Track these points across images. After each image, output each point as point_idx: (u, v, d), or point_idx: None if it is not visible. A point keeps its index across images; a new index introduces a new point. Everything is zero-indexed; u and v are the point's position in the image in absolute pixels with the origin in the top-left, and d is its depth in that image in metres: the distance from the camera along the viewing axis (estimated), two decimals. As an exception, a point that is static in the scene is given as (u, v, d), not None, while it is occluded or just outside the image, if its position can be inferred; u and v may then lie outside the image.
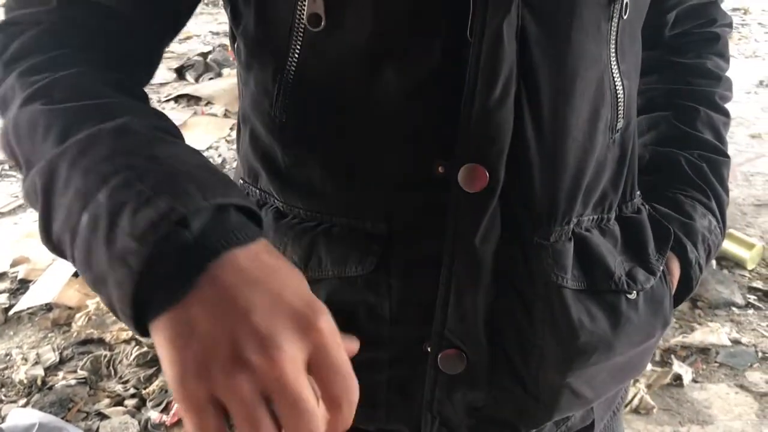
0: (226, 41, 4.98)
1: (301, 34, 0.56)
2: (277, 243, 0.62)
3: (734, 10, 6.19)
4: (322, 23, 0.55)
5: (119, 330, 2.25)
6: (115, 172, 0.43)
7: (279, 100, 0.59)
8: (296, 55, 0.57)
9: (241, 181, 0.67)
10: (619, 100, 0.61)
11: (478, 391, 0.63)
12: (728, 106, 0.83)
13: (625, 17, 0.59)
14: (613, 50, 0.60)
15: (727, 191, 0.79)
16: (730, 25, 0.85)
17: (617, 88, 0.61)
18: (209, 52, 5.16)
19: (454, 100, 0.55)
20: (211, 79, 4.81)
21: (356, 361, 0.60)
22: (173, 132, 0.51)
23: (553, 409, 0.65)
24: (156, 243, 0.39)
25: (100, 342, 2.24)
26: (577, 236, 0.62)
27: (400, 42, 0.55)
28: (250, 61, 0.61)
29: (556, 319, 0.61)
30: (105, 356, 2.16)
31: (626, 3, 0.58)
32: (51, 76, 0.52)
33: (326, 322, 0.41)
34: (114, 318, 2.29)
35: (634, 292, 0.65)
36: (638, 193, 0.70)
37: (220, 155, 3.67)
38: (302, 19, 0.55)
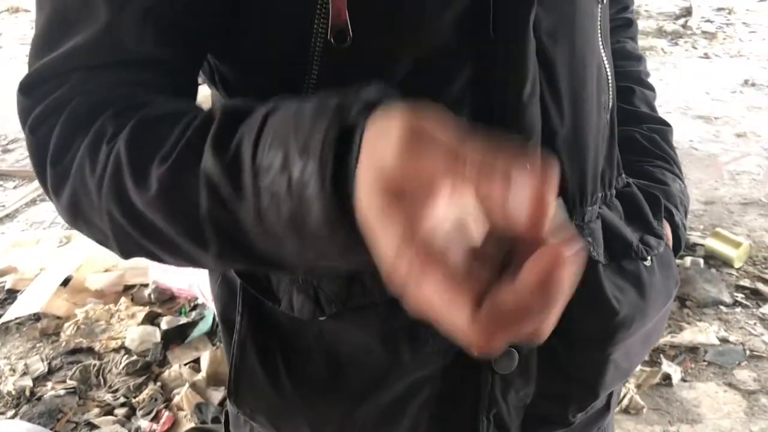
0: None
1: (319, 53, 0.52)
2: (310, 276, 0.59)
3: (719, 9, 6.23)
4: (348, 39, 0.51)
5: (108, 339, 2.24)
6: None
7: None
8: (314, 77, 0.53)
9: None
10: (609, 80, 0.66)
11: (529, 387, 0.64)
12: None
13: (603, 3, 0.62)
14: (600, 35, 0.63)
15: (676, 154, 0.86)
16: (633, 9, 0.93)
17: (607, 70, 0.65)
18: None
19: (487, 99, 0.55)
20: (198, 84, 4.81)
21: (410, 380, 0.61)
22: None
23: (598, 388, 0.67)
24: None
25: (89, 351, 2.23)
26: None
27: (425, 47, 0.53)
28: (241, 77, 0.58)
29: (595, 299, 0.64)
30: (94, 365, 2.15)
31: None
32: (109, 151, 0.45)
33: None
34: (103, 327, 2.29)
35: (649, 258, 0.69)
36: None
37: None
38: (321, 36, 0.51)
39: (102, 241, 0.49)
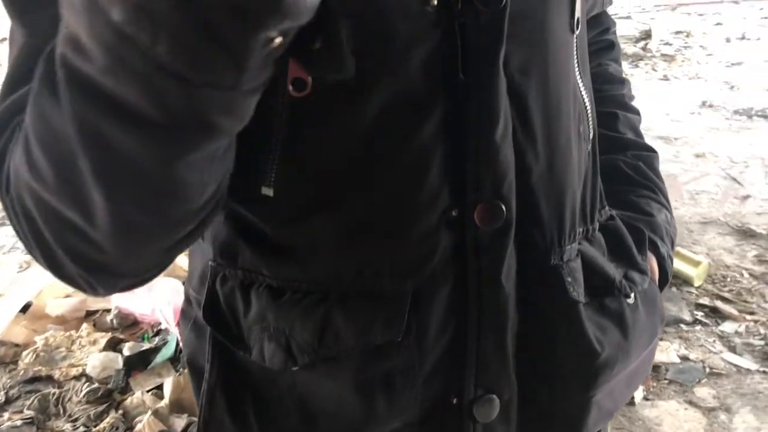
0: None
1: (283, 100, 0.50)
2: (282, 324, 0.57)
3: (677, 33, 6.39)
4: (307, 87, 0.49)
5: (69, 366, 2.20)
6: None
7: (268, 175, 0.53)
8: (284, 127, 0.51)
9: (212, 264, 0.60)
10: (587, 111, 0.64)
11: (511, 431, 0.62)
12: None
13: (577, 32, 0.60)
14: (577, 64, 0.61)
15: (662, 181, 0.83)
16: (615, 30, 0.90)
17: (584, 99, 0.63)
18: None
19: (459, 141, 0.53)
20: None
21: (387, 430, 0.59)
22: None
23: (581, 430, 0.65)
24: None
25: (49, 379, 2.18)
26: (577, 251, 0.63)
27: (392, 91, 0.51)
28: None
29: (576, 340, 0.62)
30: (53, 394, 2.10)
31: (578, 18, 0.60)
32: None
33: None
34: (63, 354, 2.24)
35: (633, 295, 0.67)
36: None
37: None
38: (287, 85, 0.50)
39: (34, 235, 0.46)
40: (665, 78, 5.19)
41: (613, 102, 0.84)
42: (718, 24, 6.76)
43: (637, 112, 0.87)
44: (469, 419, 0.59)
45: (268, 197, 0.53)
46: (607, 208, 0.71)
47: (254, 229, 0.57)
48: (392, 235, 0.55)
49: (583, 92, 0.63)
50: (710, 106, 4.64)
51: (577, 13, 0.59)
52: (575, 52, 0.61)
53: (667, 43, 6.05)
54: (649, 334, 0.69)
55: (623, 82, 0.87)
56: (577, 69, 0.61)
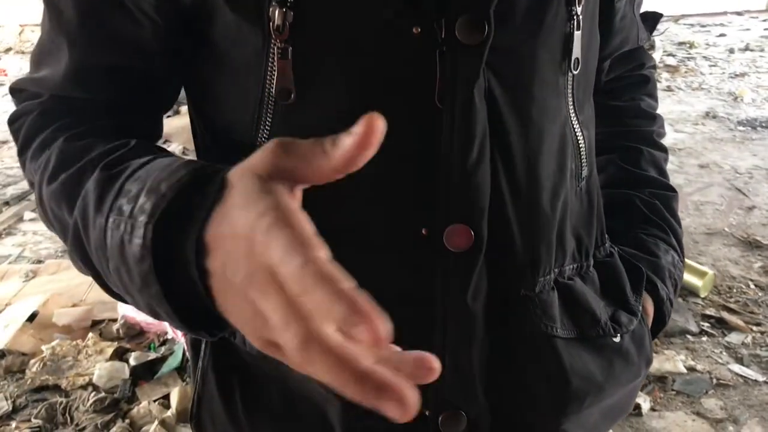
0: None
1: (272, 108, 0.55)
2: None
3: (680, 44, 6.42)
4: (292, 97, 0.54)
5: (75, 375, 2.20)
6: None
7: None
8: (267, 130, 0.56)
9: None
10: (581, 149, 0.64)
11: None
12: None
13: (575, 72, 0.61)
14: (571, 103, 0.62)
15: (679, 223, 0.83)
16: (654, 67, 0.91)
17: (578, 138, 0.64)
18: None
19: (432, 164, 0.55)
20: (168, 116, 4.79)
21: (355, 431, 0.61)
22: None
23: None
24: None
25: (56, 389, 2.18)
26: (561, 285, 0.64)
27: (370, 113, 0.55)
28: (214, 141, 0.61)
29: (548, 368, 0.63)
30: (60, 403, 2.10)
31: (576, 59, 0.60)
32: (46, 155, 0.56)
33: None
34: (70, 363, 2.25)
35: (618, 336, 0.67)
36: (607, 237, 0.72)
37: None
38: (272, 93, 0.55)
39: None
40: (669, 89, 5.21)
41: (639, 138, 0.85)
42: (721, 35, 6.78)
43: (663, 150, 0.87)
44: None
45: None
46: (607, 245, 0.71)
47: None
48: (362, 246, 0.57)
49: (577, 130, 0.64)
50: (714, 117, 4.65)
51: (575, 54, 0.60)
52: (569, 91, 0.61)
53: (670, 54, 6.07)
54: (632, 374, 0.70)
55: (654, 118, 0.87)
56: (571, 107, 0.62)
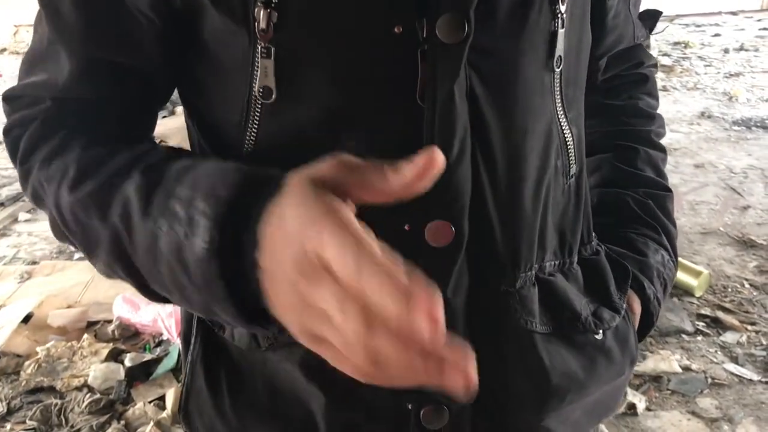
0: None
1: (259, 108, 0.56)
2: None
3: (675, 44, 6.43)
4: (273, 96, 0.55)
5: (71, 377, 2.20)
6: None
7: None
8: (255, 129, 0.57)
9: None
10: (569, 147, 0.64)
11: None
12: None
13: (558, 69, 0.61)
14: (559, 101, 0.62)
15: (674, 223, 0.82)
16: (655, 66, 0.90)
17: (566, 136, 0.64)
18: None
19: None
20: (164, 117, 4.79)
21: (338, 424, 0.62)
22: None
23: None
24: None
25: (51, 390, 2.18)
26: (541, 281, 0.64)
27: (353, 111, 0.56)
28: (207, 140, 0.62)
29: (529, 364, 0.63)
30: (56, 405, 2.10)
31: (559, 56, 0.60)
32: (61, 163, 0.56)
33: None
34: (65, 365, 2.24)
35: (601, 331, 0.67)
36: (594, 234, 0.72)
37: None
38: (255, 91, 0.56)
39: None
40: (664, 89, 5.22)
41: (636, 137, 0.84)
42: (716, 35, 6.80)
43: (661, 149, 0.86)
44: (416, 426, 0.61)
45: None
46: (594, 242, 0.71)
47: None
48: None
49: (565, 128, 0.64)
50: (709, 116, 4.66)
51: (558, 52, 0.60)
52: (556, 89, 0.62)
53: (665, 54, 6.09)
54: (615, 372, 0.69)
55: (653, 117, 0.87)
56: (559, 105, 0.62)
